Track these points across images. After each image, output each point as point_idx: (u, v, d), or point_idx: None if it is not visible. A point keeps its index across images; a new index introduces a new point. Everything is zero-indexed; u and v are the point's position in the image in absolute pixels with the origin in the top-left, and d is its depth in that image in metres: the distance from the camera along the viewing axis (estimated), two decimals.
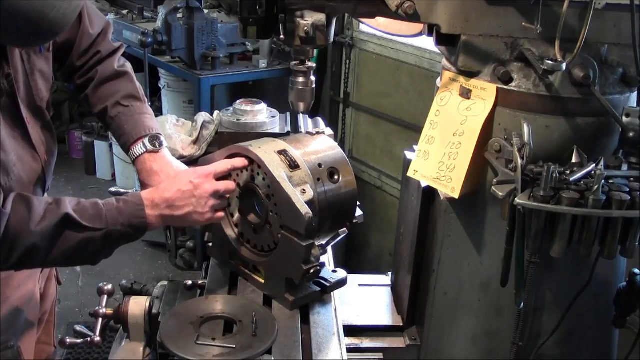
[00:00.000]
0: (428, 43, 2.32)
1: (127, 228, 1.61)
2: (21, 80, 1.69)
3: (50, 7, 1.32)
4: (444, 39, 1.64)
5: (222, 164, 1.75)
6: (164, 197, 1.66)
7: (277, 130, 2.24)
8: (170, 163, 1.86)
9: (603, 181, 1.43)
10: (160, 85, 5.37)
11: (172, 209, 1.67)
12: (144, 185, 1.83)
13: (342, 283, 1.86)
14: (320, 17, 1.74)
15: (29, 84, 1.72)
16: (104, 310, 1.73)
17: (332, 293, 1.83)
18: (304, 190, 1.68)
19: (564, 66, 1.50)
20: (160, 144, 1.86)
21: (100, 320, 1.72)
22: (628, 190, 1.48)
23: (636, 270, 1.76)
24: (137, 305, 1.74)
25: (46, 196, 1.58)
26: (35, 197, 1.56)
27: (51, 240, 1.53)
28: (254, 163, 1.74)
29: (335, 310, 1.78)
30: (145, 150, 1.84)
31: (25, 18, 1.30)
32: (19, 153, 1.66)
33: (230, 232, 1.86)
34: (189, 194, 1.67)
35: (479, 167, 1.63)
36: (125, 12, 5.47)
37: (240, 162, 1.76)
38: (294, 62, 1.88)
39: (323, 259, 1.88)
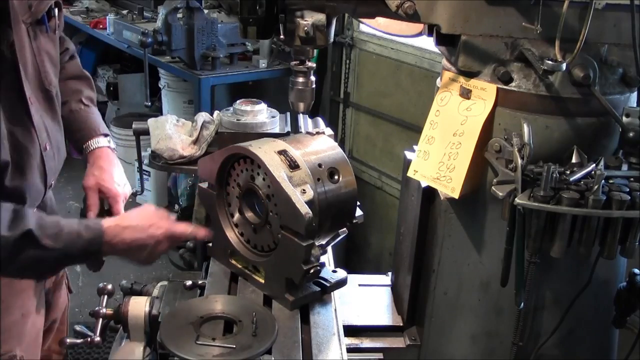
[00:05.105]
0: (428, 43, 2.32)
1: (82, 253, 1.62)
2: (29, 58, 1.67)
3: None
4: (444, 39, 1.64)
5: (183, 228, 1.80)
6: (124, 240, 1.68)
7: (277, 130, 2.24)
8: (119, 166, 2.04)
9: (603, 181, 1.43)
10: (160, 85, 5.37)
11: (126, 252, 1.72)
12: (88, 174, 1.97)
13: (342, 283, 1.86)
14: (320, 17, 1.74)
15: (37, 64, 1.71)
16: (104, 310, 1.73)
17: (332, 293, 1.83)
18: (304, 190, 1.68)
19: (564, 66, 1.50)
20: (114, 147, 2.07)
21: (100, 320, 1.72)
22: (628, 190, 1.47)
23: (636, 270, 1.76)
24: (137, 305, 1.73)
25: (7, 204, 1.53)
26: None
27: (9, 252, 1.51)
28: (254, 163, 1.74)
29: (335, 310, 1.78)
30: (107, 145, 2.03)
31: None
32: (12, 129, 1.61)
33: (230, 232, 1.86)
34: (145, 247, 1.72)
35: (479, 167, 1.63)
36: (125, 12, 5.48)
37: (204, 233, 1.84)
38: (294, 62, 1.88)
39: (323, 259, 1.87)
